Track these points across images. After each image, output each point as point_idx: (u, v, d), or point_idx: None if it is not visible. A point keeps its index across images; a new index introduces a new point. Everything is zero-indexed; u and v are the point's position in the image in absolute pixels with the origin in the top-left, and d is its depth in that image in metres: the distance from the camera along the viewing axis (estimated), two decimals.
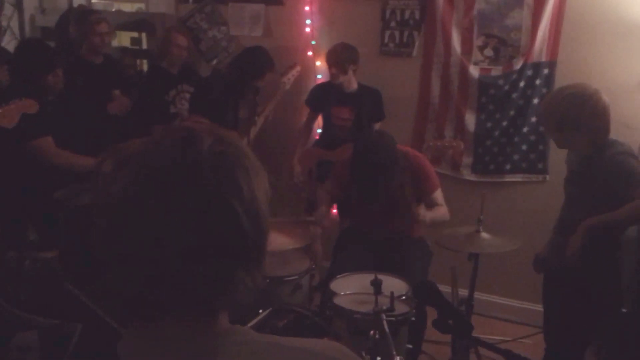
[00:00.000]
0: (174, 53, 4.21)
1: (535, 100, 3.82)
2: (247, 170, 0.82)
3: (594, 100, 2.53)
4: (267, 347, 0.83)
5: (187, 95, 4.29)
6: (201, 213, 0.77)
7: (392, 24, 4.17)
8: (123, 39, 5.12)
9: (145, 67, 4.99)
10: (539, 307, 3.09)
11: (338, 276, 2.85)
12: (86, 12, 4.43)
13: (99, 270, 0.79)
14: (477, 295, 3.04)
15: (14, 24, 4.93)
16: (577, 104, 2.53)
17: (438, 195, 3.21)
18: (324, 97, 4.08)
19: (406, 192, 3.09)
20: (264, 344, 0.83)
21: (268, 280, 2.97)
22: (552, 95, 2.72)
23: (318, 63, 4.37)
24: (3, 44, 4.63)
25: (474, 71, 3.94)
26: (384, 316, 2.29)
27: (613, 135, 2.63)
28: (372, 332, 2.30)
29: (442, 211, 3.18)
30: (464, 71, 3.97)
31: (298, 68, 4.22)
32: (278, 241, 3.00)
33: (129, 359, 0.79)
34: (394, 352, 2.21)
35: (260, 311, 2.64)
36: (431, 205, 3.19)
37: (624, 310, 2.69)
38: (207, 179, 0.78)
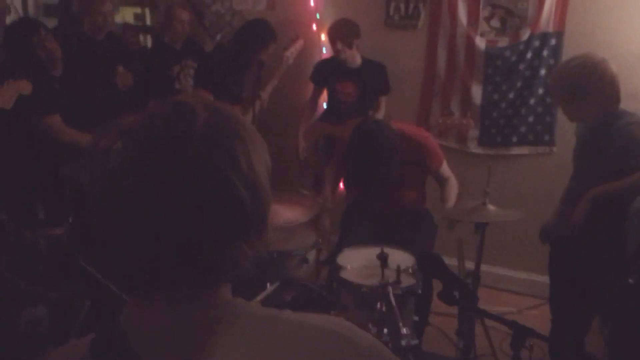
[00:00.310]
0: (176, 28, 4.18)
1: (543, 72, 3.79)
2: (245, 142, 0.82)
3: (602, 68, 2.52)
4: (265, 319, 0.83)
5: (192, 71, 4.27)
6: (196, 185, 0.77)
7: None
8: (126, 14, 5.08)
9: (149, 43, 4.97)
10: (545, 279, 3.09)
11: (345, 250, 2.86)
12: None
13: (103, 243, 0.80)
14: (484, 267, 3.04)
15: (17, 2, 4.90)
16: (585, 72, 2.52)
17: (444, 169, 3.19)
18: (328, 73, 4.06)
19: (409, 168, 3.06)
20: (263, 316, 0.84)
21: (275, 255, 2.99)
22: (560, 67, 2.71)
23: (323, 37, 4.33)
24: (7, 22, 4.60)
25: (480, 43, 3.90)
26: (390, 289, 2.31)
27: (621, 105, 2.61)
28: (378, 304, 2.32)
29: (453, 189, 3.16)
30: (470, 43, 3.93)
31: (301, 41, 4.18)
32: (285, 216, 3.01)
33: (130, 331, 0.80)
34: (401, 324, 2.23)
35: (268, 285, 2.66)
36: (439, 180, 3.18)
37: (630, 281, 2.69)
38: (201, 151, 0.78)
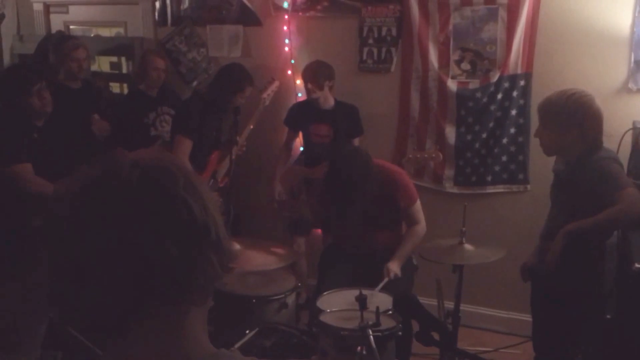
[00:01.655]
0: (152, 76, 4.22)
1: (513, 112, 3.88)
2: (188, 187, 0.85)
3: (597, 104, 2.60)
4: None
5: (167, 117, 4.29)
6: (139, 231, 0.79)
7: (370, 40, 4.21)
8: (102, 63, 5.12)
9: (125, 91, 4.99)
10: (525, 317, 3.11)
11: (324, 293, 2.85)
12: (63, 38, 4.42)
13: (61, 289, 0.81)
14: (463, 306, 3.04)
15: None
16: (584, 103, 2.58)
17: (416, 209, 3.21)
18: (301, 116, 4.12)
19: (383, 203, 3.10)
20: None
21: (254, 300, 2.96)
22: (555, 97, 2.68)
23: (298, 82, 4.40)
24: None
25: (452, 85, 3.99)
26: (370, 331, 2.29)
27: None
28: (359, 348, 2.30)
29: (412, 238, 3.20)
30: (442, 85, 4.01)
31: (277, 83, 4.24)
32: (262, 260, 2.99)
33: None
34: None
35: (247, 331, 2.63)
36: (409, 220, 3.21)
37: (607, 316, 2.71)
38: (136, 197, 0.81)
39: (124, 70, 5.06)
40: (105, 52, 5.02)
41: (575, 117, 2.58)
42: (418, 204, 3.23)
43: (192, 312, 0.85)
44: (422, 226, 3.23)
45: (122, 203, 0.79)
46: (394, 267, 3.05)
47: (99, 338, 0.84)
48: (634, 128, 3.14)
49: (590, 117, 2.58)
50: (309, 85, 3.92)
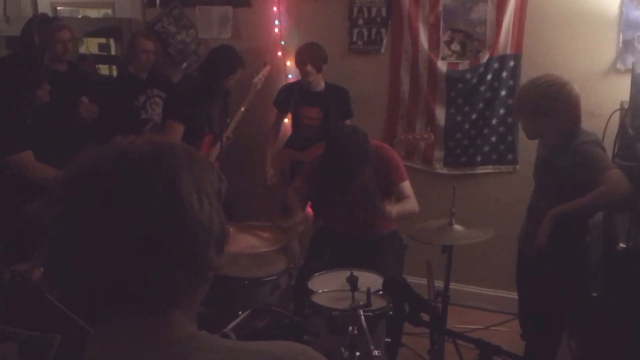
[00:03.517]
0: (141, 58, 4.20)
1: (503, 93, 3.90)
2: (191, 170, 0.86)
3: (568, 89, 2.61)
4: (229, 352, 0.85)
5: (158, 100, 4.28)
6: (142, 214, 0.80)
7: (360, 21, 4.21)
8: (91, 45, 5.08)
9: (114, 73, 4.96)
10: (513, 295, 3.15)
11: (315, 274, 2.88)
12: (48, 20, 4.38)
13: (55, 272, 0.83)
14: (453, 285, 3.09)
15: None
16: (552, 92, 2.60)
17: (406, 186, 3.22)
18: (291, 97, 4.11)
19: (376, 186, 3.12)
20: (227, 348, 0.86)
21: (247, 282, 2.99)
22: (526, 85, 2.75)
23: (288, 63, 4.39)
24: None
25: (441, 66, 4.00)
26: (361, 312, 2.33)
27: None
28: (350, 328, 2.34)
29: (410, 204, 3.17)
30: (432, 66, 4.02)
31: (268, 67, 4.24)
32: (254, 243, 3.02)
33: None
34: (372, 347, 2.25)
35: (240, 313, 2.66)
36: (399, 196, 3.20)
37: (594, 294, 2.76)
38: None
39: (113, 52, 5.03)
40: (93, 34, 4.98)
41: (540, 107, 2.62)
42: (408, 183, 3.24)
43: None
44: (414, 201, 3.23)
45: (126, 195, 0.80)
46: (393, 209, 3.04)
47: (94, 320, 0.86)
48: (622, 109, 3.17)
49: (559, 105, 2.59)
50: (309, 67, 3.91)
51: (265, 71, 4.20)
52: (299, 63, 3.98)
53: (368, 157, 3.04)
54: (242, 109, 4.09)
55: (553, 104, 2.60)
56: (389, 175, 3.19)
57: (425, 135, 3.74)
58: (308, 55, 3.93)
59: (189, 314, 0.88)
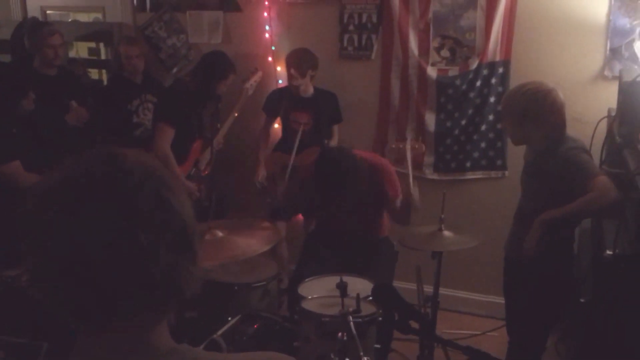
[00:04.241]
0: (126, 65, 4.19)
1: (492, 99, 3.92)
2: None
3: (552, 96, 2.63)
4: None
5: (150, 106, 4.28)
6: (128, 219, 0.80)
7: (351, 27, 4.22)
8: (80, 49, 5.07)
9: (105, 77, 4.94)
10: (503, 300, 3.17)
11: (305, 280, 2.88)
12: (39, 25, 4.36)
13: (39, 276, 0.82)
14: (443, 291, 3.10)
15: None
16: (538, 98, 2.62)
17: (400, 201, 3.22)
18: (280, 103, 4.12)
19: (370, 195, 3.12)
20: None
21: (236, 287, 2.99)
22: (512, 91, 2.79)
23: (279, 68, 4.40)
24: None
25: (431, 72, 4.02)
26: (350, 318, 2.33)
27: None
28: (340, 334, 2.34)
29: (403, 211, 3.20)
30: (422, 72, 4.04)
31: (260, 73, 4.24)
32: (245, 246, 3.01)
33: None
34: (362, 353, 2.25)
35: (230, 318, 2.66)
36: (391, 210, 3.22)
37: (582, 300, 2.78)
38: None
39: (103, 56, 5.01)
40: (83, 38, 4.97)
41: (527, 112, 2.64)
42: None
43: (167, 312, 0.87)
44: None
45: (107, 201, 0.80)
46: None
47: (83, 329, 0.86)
48: (609, 116, 3.20)
49: (545, 111, 2.62)
50: (292, 71, 3.93)
51: (257, 77, 4.21)
52: (286, 66, 4.01)
53: (356, 174, 3.01)
54: (235, 114, 4.09)
55: (539, 110, 2.62)
56: (382, 189, 3.19)
57: (417, 146, 3.75)
58: (292, 60, 3.95)
59: (165, 328, 0.88)
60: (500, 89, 3.89)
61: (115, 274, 0.79)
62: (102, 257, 0.78)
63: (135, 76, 4.26)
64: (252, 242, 3.02)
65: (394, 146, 3.70)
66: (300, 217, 3.96)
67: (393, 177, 3.25)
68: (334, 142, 4.11)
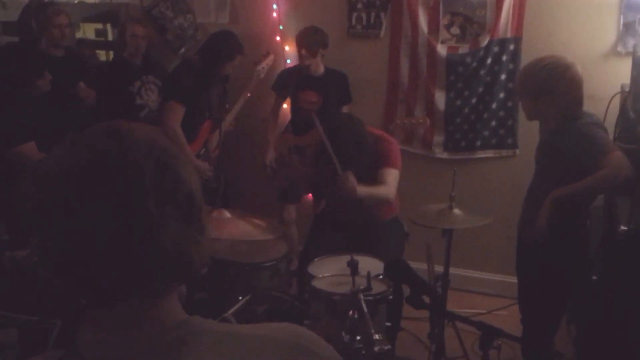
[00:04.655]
0: (130, 44, 4.16)
1: (503, 76, 3.87)
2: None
3: (572, 71, 2.58)
4: (225, 336, 0.84)
5: (153, 87, 4.25)
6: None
7: (359, 5, 4.17)
8: (87, 30, 5.05)
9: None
10: (513, 279, 3.15)
11: (315, 259, 2.88)
12: (45, 5, 4.34)
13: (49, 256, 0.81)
14: (453, 270, 3.09)
15: None
16: (557, 72, 2.57)
17: (389, 173, 3.11)
18: (290, 82, 4.08)
19: (375, 169, 3.10)
20: (223, 333, 0.85)
21: (246, 267, 2.99)
22: (531, 65, 2.71)
23: (287, 48, 4.36)
24: None
25: (441, 50, 3.97)
26: (361, 296, 2.32)
27: None
28: (350, 312, 2.33)
29: (381, 189, 3.07)
30: (431, 50, 4.00)
31: (272, 57, 4.21)
32: (251, 230, 3.01)
33: (86, 353, 0.80)
34: (373, 331, 2.24)
35: (240, 298, 2.66)
36: (379, 179, 3.09)
37: (594, 278, 2.76)
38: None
39: (110, 38, 4.99)
40: (90, 19, 4.95)
41: (544, 87, 2.58)
42: (396, 172, 3.14)
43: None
44: (388, 189, 3.10)
45: (111, 176, 0.79)
46: (354, 182, 2.96)
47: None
48: (622, 92, 3.15)
49: (563, 86, 2.56)
50: (303, 52, 3.89)
51: (268, 60, 4.19)
52: (296, 46, 3.97)
53: (364, 143, 3.00)
54: (248, 94, 4.07)
55: (555, 88, 2.57)
56: (380, 160, 3.14)
57: (422, 120, 3.72)
58: (302, 39, 3.91)
59: (176, 300, 0.87)
60: (511, 66, 3.84)
61: (125, 245, 0.78)
62: (111, 229, 0.77)
63: (135, 57, 4.22)
64: (258, 229, 3.02)
65: (399, 122, 3.68)
66: (309, 197, 3.95)
67: (397, 151, 3.20)
68: None
